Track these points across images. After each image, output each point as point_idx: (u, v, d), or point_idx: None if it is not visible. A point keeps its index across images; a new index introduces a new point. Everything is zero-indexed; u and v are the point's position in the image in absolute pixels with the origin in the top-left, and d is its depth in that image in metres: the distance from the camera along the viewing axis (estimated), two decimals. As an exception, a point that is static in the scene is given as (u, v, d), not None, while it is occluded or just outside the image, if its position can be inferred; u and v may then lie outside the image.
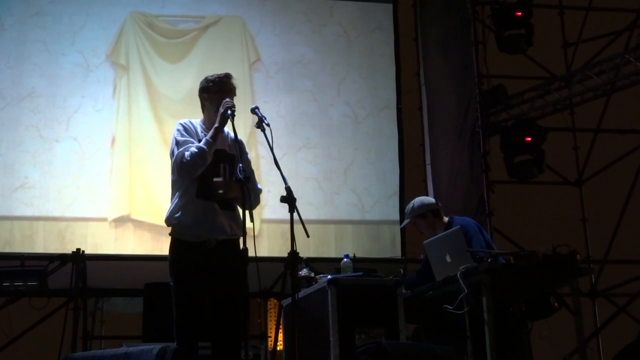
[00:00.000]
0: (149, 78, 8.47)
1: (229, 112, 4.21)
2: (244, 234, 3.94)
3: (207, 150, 4.20)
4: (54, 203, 7.97)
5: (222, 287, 4.15)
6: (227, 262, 4.16)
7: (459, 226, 5.15)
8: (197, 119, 4.48)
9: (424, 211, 5.64)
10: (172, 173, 4.34)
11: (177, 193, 4.32)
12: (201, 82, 4.52)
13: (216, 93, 4.39)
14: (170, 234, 4.35)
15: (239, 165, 4.12)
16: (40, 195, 7.97)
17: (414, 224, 5.71)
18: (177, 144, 4.28)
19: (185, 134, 4.32)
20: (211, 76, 4.49)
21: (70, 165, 8.10)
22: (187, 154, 4.18)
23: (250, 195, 4.05)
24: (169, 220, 4.31)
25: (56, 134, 8.16)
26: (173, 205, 4.32)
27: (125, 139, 8.26)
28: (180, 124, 4.39)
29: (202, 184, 4.25)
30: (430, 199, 5.84)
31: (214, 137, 4.25)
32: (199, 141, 4.27)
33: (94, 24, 8.51)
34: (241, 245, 3.92)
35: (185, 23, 8.77)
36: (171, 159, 4.34)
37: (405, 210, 5.81)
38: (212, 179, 4.23)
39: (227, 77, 4.48)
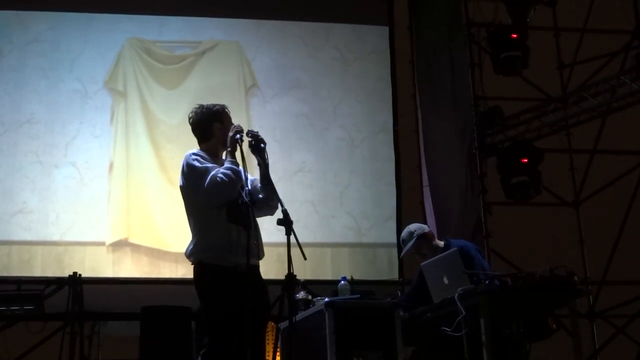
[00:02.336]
0: (146, 104, 8.51)
1: (238, 135, 4.21)
2: (248, 254, 3.97)
3: (237, 168, 4.16)
4: (52, 228, 8.00)
5: (254, 311, 4.05)
6: (257, 286, 4.16)
7: (455, 248, 5.16)
8: (195, 149, 4.42)
9: (425, 231, 5.61)
10: (201, 199, 4.22)
11: (204, 222, 4.25)
12: (202, 112, 4.43)
13: (230, 122, 4.38)
14: (194, 262, 4.28)
15: (246, 188, 4.13)
16: (38, 219, 8.01)
17: (417, 245, 5.59)
18: (201, 171, 4.20)
19: (203, 161, 4.27)
20: (212, 105, 4.45)
21: (68, 190, 8.14)
22: (221, 175, 4.12)
23: (254, 217, 4.11)
24: (197, 251, 4.24)
25: (55, 159, 8.20)
26: (199, 236, 4.25)
27: (123, 164, 8.29)
28: (194, 154, 4.32)
29: (229, 208, 4.17)
30: (423, 225, 5.83)
31: (234, 157, 4.21)
32: None
33: (91, 51, 8.57)
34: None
35: (182, 49, 8.83)
36: (188, 189, 4.28)
37: (402, 238, 5.69)
38: (236, 203, 4.17)
39: (226, 107, 4.50)
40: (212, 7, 8.95)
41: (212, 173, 4.16)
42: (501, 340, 4.99)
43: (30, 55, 8.49)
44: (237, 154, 4.24)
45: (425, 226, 5.72)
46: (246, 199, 4.06)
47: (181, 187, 4.34)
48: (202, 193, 4.18)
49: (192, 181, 4.25)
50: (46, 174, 8.15)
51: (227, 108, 4.48)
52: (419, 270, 5.48)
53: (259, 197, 4.31)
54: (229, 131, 4.30)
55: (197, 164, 4.25)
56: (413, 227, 5.67)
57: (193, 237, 4.30)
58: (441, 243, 5.61)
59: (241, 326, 4.05)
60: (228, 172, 4.13)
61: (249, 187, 4.22)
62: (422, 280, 5.30)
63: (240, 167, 4.21)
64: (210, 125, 4.41)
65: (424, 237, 5.58)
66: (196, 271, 4.28)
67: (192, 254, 4.27)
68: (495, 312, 4.72)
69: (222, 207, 4.18)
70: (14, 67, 8.43)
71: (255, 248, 4.18)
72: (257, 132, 4.27)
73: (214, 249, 4.20)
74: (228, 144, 4.24)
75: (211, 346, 4.15)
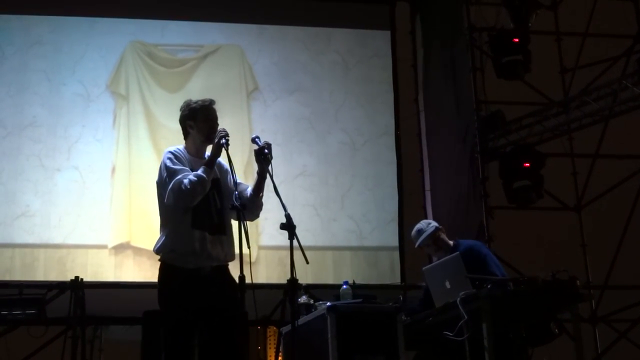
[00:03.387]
0: (148, 108, 8.52)
1: (223, 140, 4.19)
2: (241, 259, 3.90)
3: (207, 178, 4.16)
4: (55, 231, 8.01)
5: (217, 313, 4.12)
6: (221, 287, 4.15)
7: (458, 252, 5.15)
8: (180, 146, 4.43)
9: (439, 225, 5.66)
10: (165, 200, 4.24)
11: (170, 223, 4.27)
12: (183, 108, 4.46)
13: (203, 121, 4.36)
14: (160, 260, 4.31)
15: (235, 192, 4.11)
16: (41, 223, 8.03)
17: (434, 235, 5.59)
18: (170, 172, 4.22)
19: (176, 161, 4.28)
20: (194, 102, 4.45)
21: (71, 193, 8.15)
22: (185, 181, 4.13)
23: (245, 221, 4.03)
24: (162, 251, 4.27)
25: (57, 163, 8.22)
26: (165, 236, 4.27)
27: (125, 168, 8.31)
28: (170, 152, 4.34)
29: (195, 213, 4.21)
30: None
31: (211, 166, 4.20)
32: (191, 169, 4.24)
33: (94, 54, 8.59)
34: (239, 272, 3.88)
35: (184, 52, 8.84)
36: (160, 187, 4.29)
37: (418, 228, 5.67)
38: (204, 208, 4.20)
39: (212, 103, 4.44)
40: (214, 11, 8.97)
41: (178, 177, 4.16)
42: (503, 345, 4.98)
43: (33, 58, 8.50)
44: (225, 159, 4.26)
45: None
46: (236, 203, 4.04)
47: (157, 183, 4.36)
48: (167, 194, 4.20)
49: (163, 180, 4.27)
50: (49, 178, 8.17)
51: (210, 104, 4.43)
52: None
53: (247, 204, 4.27)
54: (203, 129, 4.33)
55: (169, 163, 4.27)
56: (429, 220, 5.77)
57: (161, 233, 4.31)
58: (451, 242, 5.59)
59: (193, 329, 4.13)
60: (195, 180, 4.12)
61: (236, 191, 4.19)
62: None
63: (230, 170, 4.23)
64: (184, 124, 4.45)
65: (441, 230, 5.63)
66: (160, 270, 4.31)
67: (159, 252, 4.29)
68: (497, 316, 4.71)
69: (188, 211, 4.19)
70: (16, 69, 8.44)
71: (222, 251, 4.21)
72: (270, 145, 4.26)
73: (176, 252, 4.22)
74: (212, 149, 4.25)
75: (167, 352, 4.18)
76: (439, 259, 5.51)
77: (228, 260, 4.27)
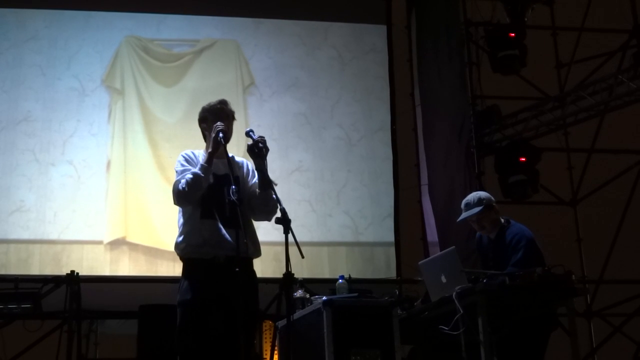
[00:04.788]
0: (143, 102, 8.51)
1: (220, 135, 4.21)
2: (258, 255, 4.04)
3: (202, 175, 4.19)
4: (50, 226, 7.99)
5: (232, 302, 4.07)
6: (238, 278, 4.13)
7: (453, 247, 5.14)
8: (200, 150, 4.45)
9: (492, 202, 5.39)
10: (174, 202, 4.35)
11: (183, 218, 4.34)
12: (199, 113, 4.51)
13: (213, 122, 4.37)
14: (181, 258, 4.36)
15: (232, 187, 4.12)
16: (36, 218, 8.00)
17: (481, 214, 5.33)
18: (178, 172, 4.32)
19: (185, 164, 4.33)
20: (207, 105, 4.49)
21: (66, 188, 8.13)
22: (182, 182, 4.20)
23: (242, 216, 4.03)
24: (178, 247, 4.33)
25: (52, 157, 8.20)
26: (179, 233, 4.34)
27: (121, 162, 8.28)
28: (182, 155, 4.41)
29: (205, 205, 4.25)
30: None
31: (208, 161, 4.24)
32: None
33: (89, 48, 8.57)
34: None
35: (180, 47, 8.82)
36: None
37: (469, 201, 5.41)
38: (215, 201, 4.22)
39: (222, 103, 4.46)
40: (210, 5, 8.95)
41: (179, 177, 4.25)
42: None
43: (28, 53, 8.48)
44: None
45: (491, 198, 5.47)
46: (233, 198, 4.04)
47: None
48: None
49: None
50: (43, 172, 8.15)
51: (222, 104, 4.46)
52: None
53: (256, 202, 4.31)
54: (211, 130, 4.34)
55: (177, 165, 4.37)
56: (484, 194, 5.46)
57: (178, 231, 4.38)
58: (502, 219, 5.40)
59: (205, 320, 4.13)
60: (190, 179, 4.19)
61: (241, 185, 4.23)
62: None
63: (229, 165, 4.22)
64: (200, 127, 4.49)
65: (491, 208, 5.37)
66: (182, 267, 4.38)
67: (176, 249, 4.37)
68: (492, 310, 4.72)
69: (198, 205, 4.26)
70: (11, 64, 8.42)
71: (243, 246, 4.15)
72: (265, 139, 4.27)
73: (190, 245, 4.27)
74: (210, 145, 4.27)
75: (178, 339, 4.20)
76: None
77: (246, 254, 4.19)
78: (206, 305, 4.16)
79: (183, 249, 4.31)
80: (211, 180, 4.26)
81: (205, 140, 4.47)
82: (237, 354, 4.03)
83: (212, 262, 4.20)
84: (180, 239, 4.32)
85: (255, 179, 4.39)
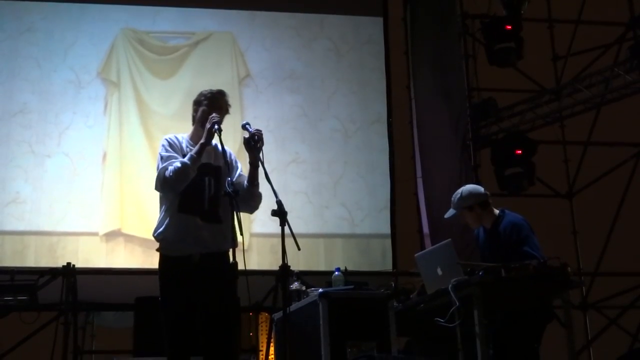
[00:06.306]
0: (139, 94, 8.49)
1: (216, 127, 4.19)
2: (234, 246, 3.90)
3: (190, 165, 4.17)
4: (45, 218, 7.99)
5: (210, 300, 4.12)
6: (214, 276, 4.14)
7: (449, 239, 5.14)
8: (183, 134, 4.44)
9: (471, 203, 5.32)
10: (156, 187, 4.32)
11: (163, 207, 4.31)
12: (197, 96, 4.49)
13: (208, 107, 4.37)
14: (157, 250, 4.34)
15: (228, 179, 4.11)
16: (31, 210, 8.00)
17: (461, 215, 5.36)
18: (161, 159, 4.27)
19: (169, 149, 4.30)
20: (205, 91, 4.47)
21: (61, 180, 8.12)
22: (170, 169, 4.16)
23: (239, 208, 4.00)
24: (155, 235, 4.31)
25: (48, 149, 8.19)
26: (158, 220, 4.31)
27: (116, 154, 8.28)
28: (166, 139, 4.37)
29: (184, 198, 4.22)
30: (479, 189, 5.46)
31: (198, 152, 4.21)
32: (184, 156, 4.23)
33: (85, 41, 8.55)
34: (230, 259, 3.88)
35: (176, 39, 8.80)
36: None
37: (452, 199, 5.38)
38: (194, 193, 4.22)
39: (220, 93, 4.45)
40: (205, -3, 8.94)
41: (164, 164, 4.21)
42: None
43: (23, 45, 8.46)
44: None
45: (478, 194, 5.36)
46: (229, 190, 4.03)
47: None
48: (155, 181, 4.29)
49: (157, 167, 4.32)
50: (39, 164, 8.14)
51: (220, 94, 4.45)
52: None
53: (242, 195, 4.24)
54: (203, 116, 4.32)
55: (161, 150, 4.33)
56: (466, 193, 5.35)
57: (158, 218, 4.34)
58: (496, 211, 5.34)
59: (189, 319, 4.14)
60: (178, 168, 4.16)
61: (234, 178, 4.24)
62: None
63: (224, 157, 4.22)
64: (193, 109, 4.47)
65: (471, 210, 5.31)
66: (159, 261, 4.36)
67: (154, 235, 4.32)
68: (488, 302, 4.72)
69: (177, 196, 4.23)
70: (6, 56, 8.40)
71: (211, 238, 4.19)
72: (261, 132, 4.25)
73: (167, 239, 4.26)
74: (204, 135, 4.23)
75: (167, 342, 4.19)
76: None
77: (222, 248, 4.20)
78: (184, 307, 4.16)
79: (160, 242, 4.29)
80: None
81: (193, 122, 4.44)
82: (219, 349, 4.08)
83: (188, 260, 4.18)
84: (159, 230, 4.27)
85: (239, 171, 4.38)
